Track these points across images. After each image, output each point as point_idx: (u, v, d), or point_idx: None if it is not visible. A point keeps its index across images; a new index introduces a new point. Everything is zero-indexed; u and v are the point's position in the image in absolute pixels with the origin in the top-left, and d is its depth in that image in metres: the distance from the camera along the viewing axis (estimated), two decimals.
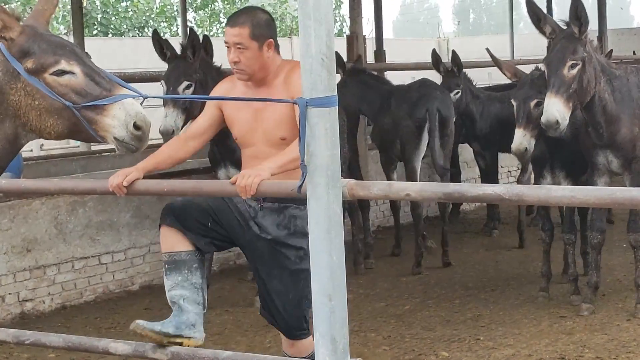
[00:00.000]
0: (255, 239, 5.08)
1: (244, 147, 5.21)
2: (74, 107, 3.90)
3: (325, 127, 3.98)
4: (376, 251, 9.80)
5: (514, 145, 7.20)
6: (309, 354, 5.15)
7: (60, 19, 30.88)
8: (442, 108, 9.27)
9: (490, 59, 7.86)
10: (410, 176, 9.25)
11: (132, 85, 4.45)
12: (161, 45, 7.84)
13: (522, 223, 10.27)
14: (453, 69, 10.30)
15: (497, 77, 10.77)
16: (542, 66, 7.01)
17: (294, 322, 5.12)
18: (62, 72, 3.91)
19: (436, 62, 10.41)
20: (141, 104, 4.10)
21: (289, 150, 4.80)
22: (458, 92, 10.25)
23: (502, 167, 12.00)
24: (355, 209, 9.44)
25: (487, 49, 8.02)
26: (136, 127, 3.95)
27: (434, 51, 10.64)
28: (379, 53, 13.47)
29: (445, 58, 11.85)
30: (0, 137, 3.98)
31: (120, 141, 3.98)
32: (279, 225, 5.09)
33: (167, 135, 7.30)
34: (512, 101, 7.39)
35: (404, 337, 7.01)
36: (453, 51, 10.56)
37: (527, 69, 7.90)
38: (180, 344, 5.04)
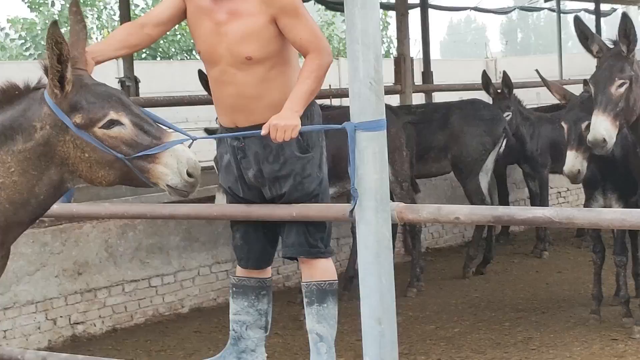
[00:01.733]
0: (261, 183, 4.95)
1: (208, 66, 4.84)
2: (126, 159, 3.93)
3: (374, 151, 3.99)
4: (425, 273, 9.76)
5: (566, 168, 7.14)
6: (332, 279, 4.95)
7: None
8: (507, 127, 9.97)
9: (539, 80, 7.84)
10: (475, 191, 9.63)
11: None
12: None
13: None
14: (503, 91, 10.26)
15: (546, 97, 10.71)
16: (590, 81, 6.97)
17: (316, 233, 4.90)
18: (111, 124, 3.92)
19: (486, 83, 10.38)
20: (189, 146, 4.14)
21: (302, 81, 4.55)
22: (509, 115, 10.20)
23: (551, 187, 11.91)
24: (416, 231, 9.40)
25: (537, 71, 7.99)
26: (189, 174, 3.98)
27: (484, 73, 10.60)
28: (427, 74, 13.47)
29: (493, 78, 11.81)
30: (45, 182, 3.98)
31: (173, 188, 4.01)
32: (267, 160, 4.87)
33: None
34: (563, 124, 7.33)
35: None
36: (504, 72, 10.50)
37: (576, 89, 7.84)
38: None
